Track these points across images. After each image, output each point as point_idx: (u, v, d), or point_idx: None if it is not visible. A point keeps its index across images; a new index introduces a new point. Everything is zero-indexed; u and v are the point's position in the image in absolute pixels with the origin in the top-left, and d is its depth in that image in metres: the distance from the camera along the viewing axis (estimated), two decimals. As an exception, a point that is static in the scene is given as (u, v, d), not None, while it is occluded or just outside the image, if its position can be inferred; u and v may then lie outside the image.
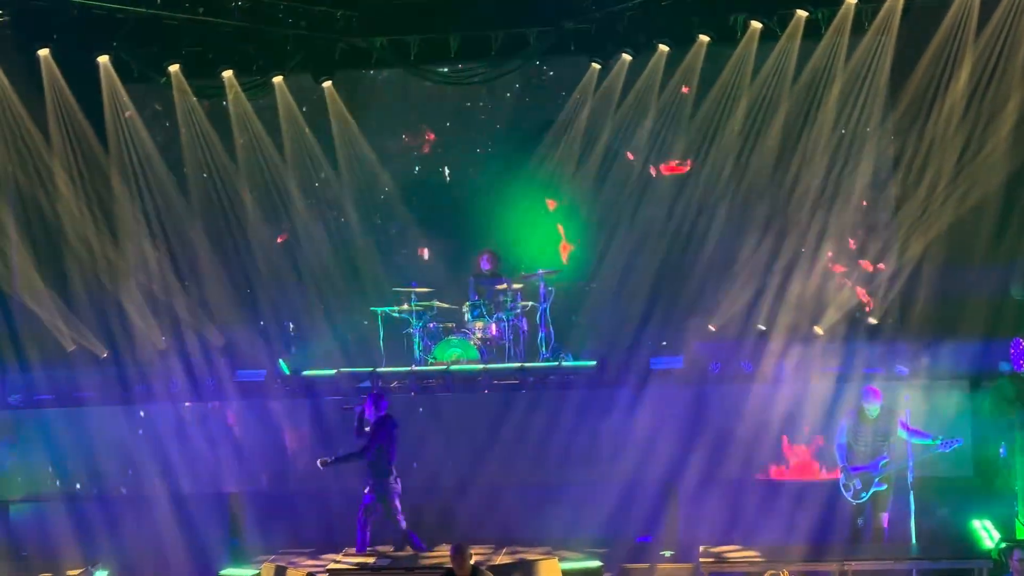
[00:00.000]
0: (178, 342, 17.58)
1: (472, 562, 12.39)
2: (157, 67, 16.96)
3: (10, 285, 16.98)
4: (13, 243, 17.07)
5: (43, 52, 16.63)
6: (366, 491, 14.15)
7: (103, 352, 17.17)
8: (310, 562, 14.73)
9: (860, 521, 13.61)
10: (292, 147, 17.93)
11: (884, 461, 13.56)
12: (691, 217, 17.25)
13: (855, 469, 13.62)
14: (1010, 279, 15.11)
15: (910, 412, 13.65)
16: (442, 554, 13.30)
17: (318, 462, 14.23)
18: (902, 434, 13.56)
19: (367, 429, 14.14)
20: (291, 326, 17.69)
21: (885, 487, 13.59)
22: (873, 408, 13.62)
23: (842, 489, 13.74)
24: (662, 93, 17.05)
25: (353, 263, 18.10)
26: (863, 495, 13.57)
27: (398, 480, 14.17)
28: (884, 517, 13.61)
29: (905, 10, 15.91)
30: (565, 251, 17.68)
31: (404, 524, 14.13)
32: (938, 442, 13.48)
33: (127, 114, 17.36)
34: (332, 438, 15.58)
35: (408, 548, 14.09)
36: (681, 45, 16.75)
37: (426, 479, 15.45)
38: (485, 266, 16.94)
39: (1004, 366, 14.72)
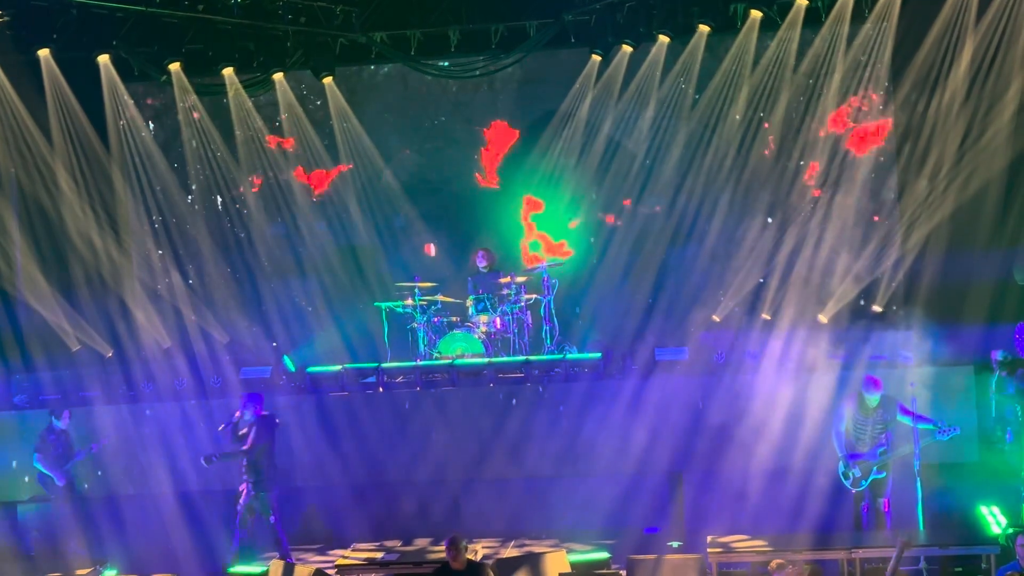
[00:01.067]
0: (183, 340, 17.62)
1: (470, 556, 12.38)
2: (157, 65, 16.95)
3: (14, 286, 17.00)
4: (16, 244, 17.10)
5: (43, 52, 16.61)
6: (241, 488, 14.24)
7: (108, 351, 17.20)
8: (318, 558, 14.76)
9: (863, 506, 13.61)
10: (294, 143, 17.93)
11: (882, 449, 13.56)
12: (694, 207, 17.25)
13: (853, 457, 13.61)
14: (1013, 264, 15.10)
15: (916, 400, 13.63)
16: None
17: (202, 460, 14.34)
18: (904, 420, 13.55)
19: (243, 432, 14.17)
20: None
21: (884, 475, 13.59)
22: (873, 398, 13.60)
23: (841, 478, 13.74)
24: (663, 84, 17.04)
25: (356, 258, 18.11)
26: (863, 483, 13.57)
27: (276, 482, 14.24)
28: (884, 502, 13.61)
29: (904, -3, 15.93)
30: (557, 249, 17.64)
31: (278, 526, 14.18)
32: (938, 428, 13.48)
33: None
34: (337, 433, 15.62)
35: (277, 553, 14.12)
36: (681, 35, 16.72)
37: (433, 473, 15.49)
38: (481, 263, 16.93)
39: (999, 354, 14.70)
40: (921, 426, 13.47)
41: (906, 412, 13.57)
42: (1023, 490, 14.09)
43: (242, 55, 17.04)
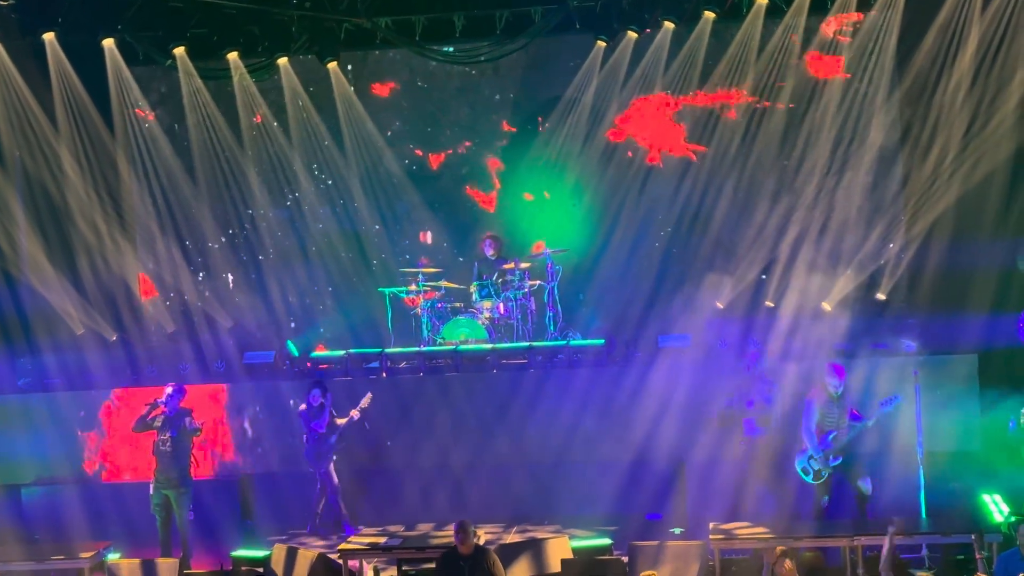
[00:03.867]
0: (187, 324, 17.64)
1: (478, 540, 12.44)
2: (162, 50, 16.94)
3: (19, 269, 17.02)
4: (21, 227, 17.11)
5: (48, 36, 16.62)
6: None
7: (112, 335, 17.22)
8: (321, 543, 14.80)
9: (825, 500, 13.51)
10: (298, 128, 17.92)
11: (832, 435, 13.45)
12: (698, 193, 17.24)
13: (809, 449, 13.52)
14: (1017, 252, 15.08)
15: (919, 388, 13.63)
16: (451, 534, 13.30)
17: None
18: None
19: (158, 424, 14.04)
20: (292, 323, 17.57)
21: (841, 460, 13.46)
22: (836, 386, 13.54)
23: (801, 474, 13.61)
24: (668, 70, 17.02)
25: (360, 244, 18.11)
26: (823, 474, 13.49)
27: (190, 477, 14.19)
28: (867, 481, 13.47)
29: (911, -16, 15.90)
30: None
31: (190, 518, 14.13)
32: (871, 421, 13.37)
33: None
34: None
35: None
36: (687, 22, 16.70)
37: (436, 459, 15.52)
38: (488, 251, 16.93)
39: None
40: (858, 425, 13.37)
41: (853, 417, 13.48)
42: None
43: (247, 40, 17.02)
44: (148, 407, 14.06)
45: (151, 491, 14.16)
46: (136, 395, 15.81)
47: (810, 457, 13.51)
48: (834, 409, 13.50)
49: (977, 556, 10.42)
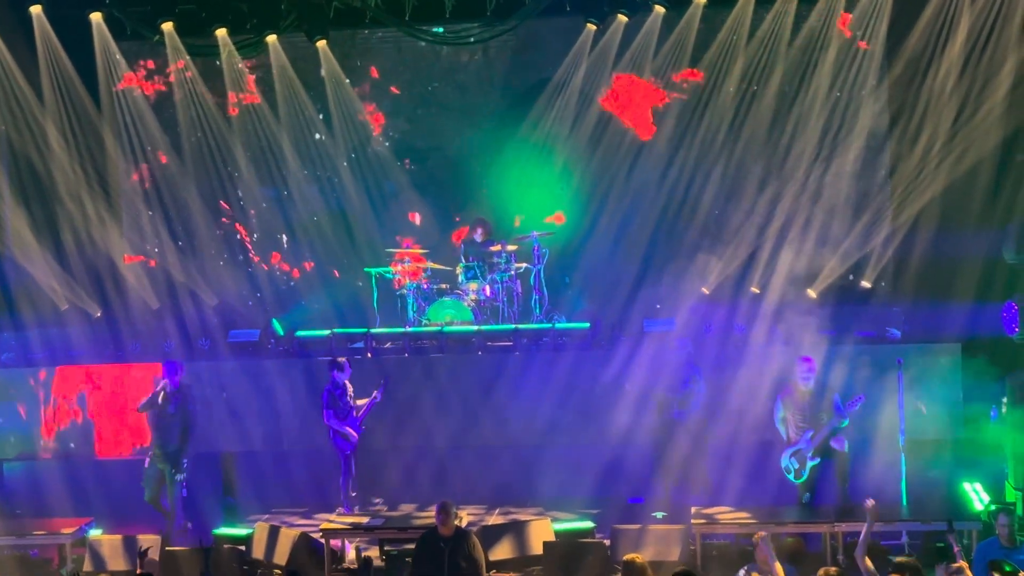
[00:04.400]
0: (172, 302, 17.60)
1: (460, 522, 12.47)
2: (150, 25, 16.85)
3: (3, 243, 16.95)
4: (6, 201, 17.03)
5: (35, 9, 16.53)
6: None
7: (96, 311, 17.18)
8: (303, 521, 14.81)
9: (807, 497, 13.53)
10: (286, 107, 17.86)
11: (811, 434, 13.45)
12: (686, 179, 17.23)
13: (789, 448, 13.57)
14: (1003, 242, 15.11)
15: (902, 377, 13.68)
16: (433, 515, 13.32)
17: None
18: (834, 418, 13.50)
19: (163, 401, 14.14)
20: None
21: (819, 460, 13.48)
22: (806, 379, 13.51)
23: (784, 472, 13.67)
24: (657, 55, 16.99)
25: (347, 223, 18.07)
26: (803, 473, 13.52)
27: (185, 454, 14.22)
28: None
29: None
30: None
31: (183, 494, 14.16)
32: (844, 423, 13.42)
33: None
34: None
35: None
36: (677, 6, 16.66)
37: (419, 440, 15.53)
38: (477, 236, 16.90)
39: None
40: (837, 425, 13.41)
41: (839, 410, 13.50)
42: (1007, 468, 14.17)
43: (235, 16, 16.94)
44: (158, 387, 14.14)
45: (146, 463, 14.19)
46: (112, 372, 15.80)
47: (792, 454, 13.53)
48: (803, 405, 13.49)
49: (955, 549, 10.47)
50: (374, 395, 14.78)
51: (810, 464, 13.47)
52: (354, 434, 14.69)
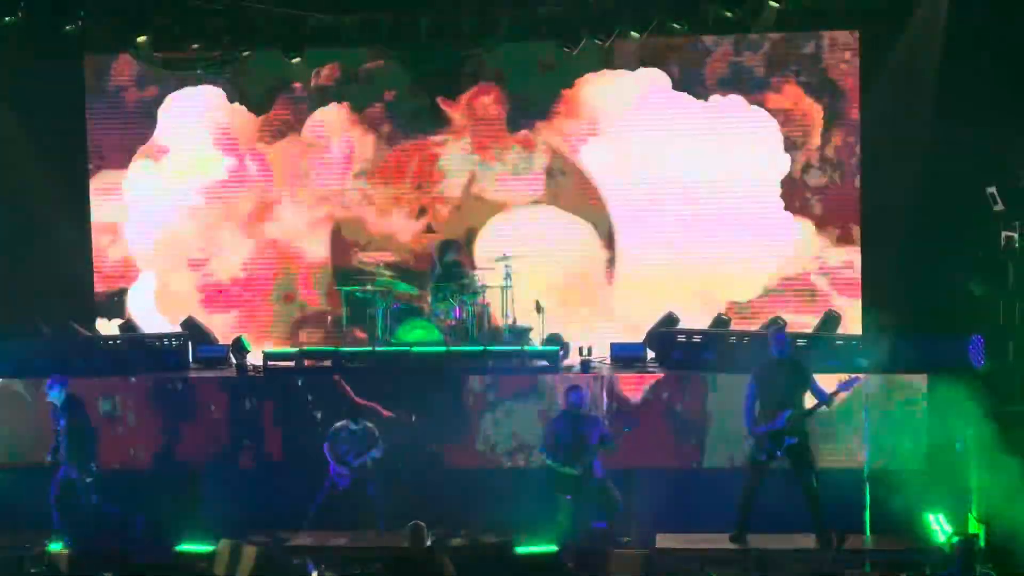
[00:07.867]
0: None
1: (427, 544, 12.43)
2: (125, 40, 16.83)
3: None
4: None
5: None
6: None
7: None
8: (266, 540, 14.71)
9: (778, 454, 13.49)
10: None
11: (789, 414, 13.48)
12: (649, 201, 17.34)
13: (760, 430, 13.53)
14: (970, 274, 15.21)
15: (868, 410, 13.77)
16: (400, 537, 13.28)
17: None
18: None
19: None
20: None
21: (797, 440, 13.50)
22: (780, 359, 13.55)
23: (754, 458, 13.61)
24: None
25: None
26: (778, 453, 13.50)
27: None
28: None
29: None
30: None
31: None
32: (831, 401, 13.44)
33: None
34: (291, 414, 15.62)
35: None
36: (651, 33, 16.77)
37: (384, 462, 15.46)
38: (447, 256, 16.90)
39: None
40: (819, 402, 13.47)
41: (818, 390, 13.54)
42: (971, 499, 14.23)
43: (211, 33, 16.93)
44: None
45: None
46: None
47: (761, 437, 13.45)
48: (776, 383, 13.44)
49: None
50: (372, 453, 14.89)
51: (788, 443, 13.41)
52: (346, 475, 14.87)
